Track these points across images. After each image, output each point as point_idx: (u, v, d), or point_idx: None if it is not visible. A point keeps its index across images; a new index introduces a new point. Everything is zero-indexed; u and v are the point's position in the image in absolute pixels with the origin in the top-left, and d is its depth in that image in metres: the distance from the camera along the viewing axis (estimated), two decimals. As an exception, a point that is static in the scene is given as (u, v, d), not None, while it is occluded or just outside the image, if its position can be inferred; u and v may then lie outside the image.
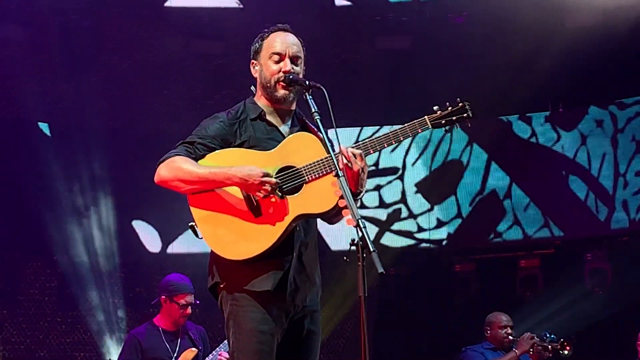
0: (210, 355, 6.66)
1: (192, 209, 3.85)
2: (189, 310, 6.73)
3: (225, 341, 4.55)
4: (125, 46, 9.83)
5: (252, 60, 4.03)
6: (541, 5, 9.50)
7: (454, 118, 3.83)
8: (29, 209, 9.56)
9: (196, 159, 3.83)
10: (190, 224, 3.85)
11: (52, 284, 10.05)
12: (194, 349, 6.71)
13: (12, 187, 9.49)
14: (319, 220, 4.01)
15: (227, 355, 6.34)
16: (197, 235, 3.84)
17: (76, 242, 9.87)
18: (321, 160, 3.76)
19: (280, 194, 3.73)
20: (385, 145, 3.81)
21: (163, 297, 6.77)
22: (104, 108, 10.01)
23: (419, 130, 3.81)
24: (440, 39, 9.78)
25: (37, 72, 9.66)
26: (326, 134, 3.74)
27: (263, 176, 3.71)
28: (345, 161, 3.68)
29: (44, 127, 10.06)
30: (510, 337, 7.64)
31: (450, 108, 3.84)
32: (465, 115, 3.84)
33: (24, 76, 9.60)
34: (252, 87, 4.07)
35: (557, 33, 9.47)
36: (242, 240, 3.77)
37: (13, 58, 9.43)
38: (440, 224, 10.69)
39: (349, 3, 10.05)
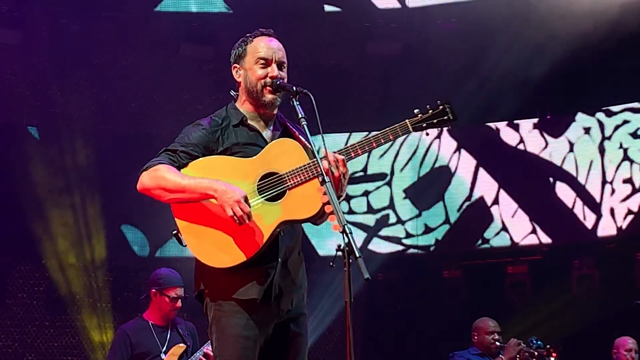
0: (198, 351, 6.64)
1: (176, 219, 3.83)
2: (179, 303, 6.68)
3: None
4: (115, 51, 9.83)
5: (235, 65, 4.01)
6: (529, 12, 9.55)
7: (435, 121, 3.82)
8: (18, 213, 9.54)
9: (179, 168, 3.81)
10: (174, 232, 3.84)
11: (41, 288, 10.01)
12: (182, 344, 6.70)
13: (0, 190, 9.46)
14: (305, 225, 3.99)
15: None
16: (181, 244, 3.83)
17: (65, 246, 9.85)
18: (304, 165, 3.74)
19: (247, 221, 3.66)
20: (367, 149, 3.80)
21: (153, 290, 6.71)
22: (93, 112, 10.00)
23: (400, 134, 3.80)
24: (429, 46, 9.81)
25: (26, 76, 9.66)
26: (308, 140, 3.73)
27: (241, 199, 3.66)
28: (327, 165, 3.65)
29: (32, 131, 10.05)
30: (497, 343, 7.64)
31: (430, 111, 3.82)
32: (445, 117, 3.82)
33: (12, 80, 9.60)
34: (232, 92, 4.05)
35: (545, 40, 9.51)
36: (227, 248, 3.74)
37: (2, 62, 9.42)
38: (428, 229, 10.70)
39: (338, 9, 10.08)
